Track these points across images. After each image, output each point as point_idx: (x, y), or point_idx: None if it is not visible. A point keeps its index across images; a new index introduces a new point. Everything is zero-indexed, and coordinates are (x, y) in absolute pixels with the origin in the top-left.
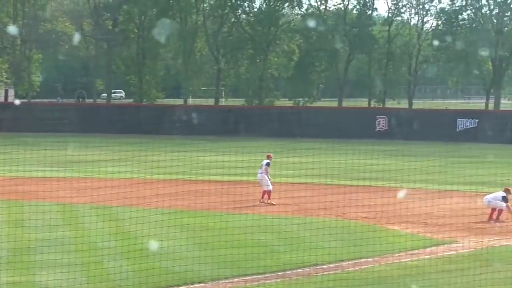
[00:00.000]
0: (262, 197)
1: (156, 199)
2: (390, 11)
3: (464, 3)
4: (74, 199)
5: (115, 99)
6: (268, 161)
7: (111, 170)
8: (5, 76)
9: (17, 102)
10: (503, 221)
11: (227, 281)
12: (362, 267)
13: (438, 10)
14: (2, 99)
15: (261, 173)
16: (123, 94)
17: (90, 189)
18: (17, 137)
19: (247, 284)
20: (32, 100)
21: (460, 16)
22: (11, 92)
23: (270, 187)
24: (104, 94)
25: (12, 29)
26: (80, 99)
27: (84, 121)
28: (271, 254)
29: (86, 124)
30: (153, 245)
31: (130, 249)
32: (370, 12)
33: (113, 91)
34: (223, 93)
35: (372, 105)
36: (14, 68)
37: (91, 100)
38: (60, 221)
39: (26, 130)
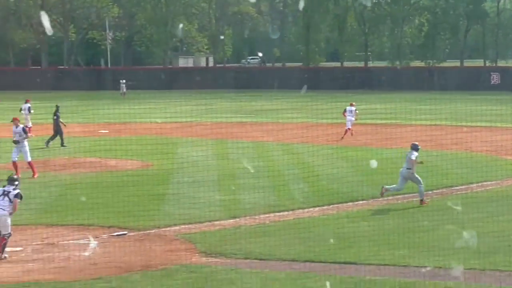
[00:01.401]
0: None
1: (323, 138)
2: None
3: None
4: (264, 138)
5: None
6: None
7: (291, 116)
8: (205, 47)
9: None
10: None
11: (383, 199)
12: (487, 188)
13: None
14: (204, 65)
15: None
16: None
17: (275, 130)
18: (215, 93)
19: (398, 201)
20: (227, 65)
21: None
22: (211, 60)
23: None
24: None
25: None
26: (262, 63)
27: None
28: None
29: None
30: (326, 171)
31: (309, 175)
32: None
33: (251, 57)
34: (370, 57)
35: (487, 65)
36: (211, 41)
37: (270, 64)
38: (255, 154)
39: (222, 87)
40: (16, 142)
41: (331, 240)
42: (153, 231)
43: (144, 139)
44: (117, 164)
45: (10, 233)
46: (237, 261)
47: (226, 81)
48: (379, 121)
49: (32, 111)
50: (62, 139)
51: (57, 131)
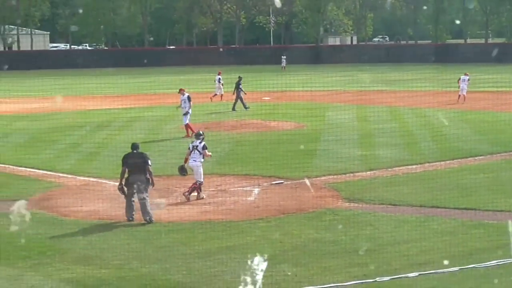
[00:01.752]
0: None
1: (447, 104)
2: None
3: None
4: (397, 103)
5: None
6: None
7: (420, 85)
8: (350, 28)
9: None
10: None
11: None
12: None
13: None
14: (349, 43)
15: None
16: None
17: (407, 97)
18: (358, 66)
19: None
20: (368, 43)
21: None
22: (354, 38)
23: None
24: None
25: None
26: (397, 41)
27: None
28: None
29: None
30: (450, 131)
31: (435, 135)
32: None
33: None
34: (490, 35)
35: None
36: (356, 23)
37: (404, 42)
38: (389, 117)
39: (363, 62)
40: (179, 107)
41: (454, 189)
42: (305, 180)
43: (298, 105)
44: (277, 125)
45: (201, 181)
46: (374, 206)
47: (367, 56)
48: (496, 89)
49: (222, 81)
50: (243, 103)
51: (238, 98)
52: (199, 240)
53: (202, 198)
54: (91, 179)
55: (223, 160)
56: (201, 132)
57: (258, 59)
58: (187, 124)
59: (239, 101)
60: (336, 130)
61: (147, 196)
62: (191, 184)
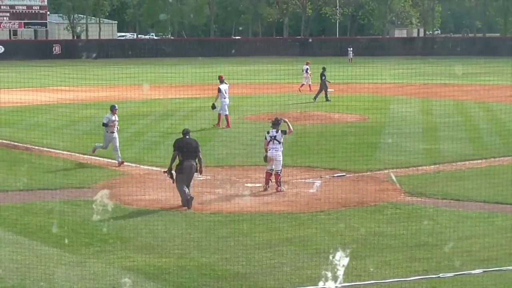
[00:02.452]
0: None
1: None
2: None
3: None
4: (463, 97)
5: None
6: None
7: (488, 79)
8: (417, 20)
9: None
10: None
11: None
12: None
13: None
14: (415, 35)
15: None
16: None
17: (474, 91)
18: (423, 58)
19: None
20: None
21: None
22: (421, 31)
23: None
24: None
25: None
26: (465, 34)
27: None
28: None
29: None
30: None
31: (501, 130)
32: None
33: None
34: None
35: None
36: (422, 15)
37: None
38: (454, 111)
39: (428, 54)
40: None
41: None
42: (367, 173)
43: (362, 97)
44: (340, 117)
45: (281, 169)
46: (436, 201)
47: (435, 48)
48: None
49: (310, 71)
50: (326, 95)
51: (322, 88)
52: (259, 231)
53: (283, 191)
54: (154, 168)
55: (285, 152)
56: (278, 118)
57: (325, 50)
58: (226, 115)
59: (322, 92)
60: (400, 123)
61: (192, 184)
62: (265, 176)
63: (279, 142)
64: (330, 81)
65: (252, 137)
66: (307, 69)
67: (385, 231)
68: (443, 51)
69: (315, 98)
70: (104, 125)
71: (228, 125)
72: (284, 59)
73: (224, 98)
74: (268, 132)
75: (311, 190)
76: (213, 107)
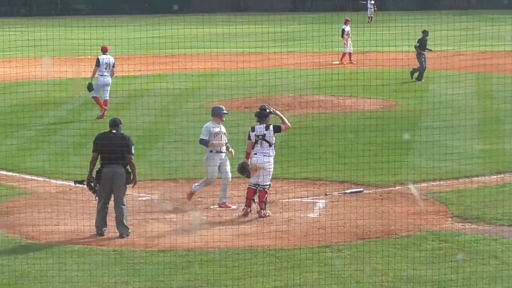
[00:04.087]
0: None
1: None
2: None
3: None
4: None
5: None
6: None
7: None
8: None
9: None
10: None
11: None
12: None
13: None
14: None
15: None
16: None
17: None
18: (479, 13)
19: None
20: None
21: None
22: None
23: None
24: None
25: None
26: None
27: None
28: None
29: None
30: None
31: None
32: None
33: None
34: None
35: None
36: None
37: None
38: None
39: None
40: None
41: None
42: (396, 188)
43: (387, 73)
44: (353, 104)
45: (269, 185)
46: (502, 229)
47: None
48: None
49: (350, 35)
50: (420, 72)
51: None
52: (233, 278)
53: (268, 215)
54: (72, 183)
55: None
56: (265, 107)
57: (330, 2)
58: (106, 100)
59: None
60: (444, 112)
61: (124, 200)
62: (247, 194)
63: (270, 144)
64: (430, 49)
65: None
66: (348, 31)
67: (425, 276)
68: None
69: (418, 77)
70: None
71: (102, 115)
72: (269, 17)
73: (102, 75)
74: (252, 129)
75: (311, 215)
76: (90, 87)
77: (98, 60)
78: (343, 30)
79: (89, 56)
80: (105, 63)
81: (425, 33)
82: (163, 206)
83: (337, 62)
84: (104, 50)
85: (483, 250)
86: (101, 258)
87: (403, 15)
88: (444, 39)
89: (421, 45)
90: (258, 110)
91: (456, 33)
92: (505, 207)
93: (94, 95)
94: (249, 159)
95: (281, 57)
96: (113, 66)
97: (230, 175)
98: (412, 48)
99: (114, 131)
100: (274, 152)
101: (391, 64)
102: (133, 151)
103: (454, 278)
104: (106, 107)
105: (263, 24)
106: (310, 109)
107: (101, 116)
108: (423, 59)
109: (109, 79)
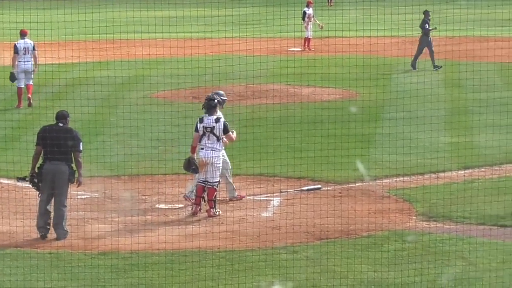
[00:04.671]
0: None
1: None
2: None
3: None
4: (510, 58)
5: None
6: None
7: None
8: None
9: None
10: None
11: None
12: None
13: None
14: None
15: None
16: None
17: None
18: None
19: None
20: None
21: None
22: None
23: None
24: None
25: None
26: None
27: None
28: None
29: None
30: None
31: None
32: None
33: None
34: None
35: None
36: None
37: None
38: (501, 80)
39: None
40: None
41: None
42: (356, 184)
43: (348, 60)
44: (311, 93)
45: (218, 183)
46: (469, 227)
47: None
48: None
49: (316, 17)
50: (432, 59)
51: (422, 47)
52: (180, 282)
53: (218, 214)
54: (4, 180)
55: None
56: (214, 96)
57: None
58: (19, 87)
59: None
60: (408, 102)
61: (66, 201)
62: (196, 192)
63: (218, 138)
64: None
65: (167, 127)
66: (310, 14)
67: (387, 279)
68: None
69: (413, 63)
70: None
71: (19, 104)
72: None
73: (21, 61)
74: (200, 120)
75: (265, 214)
76: (12, 77)
77: (15, 46)
78: (304, 13)
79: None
80: (23, 48)
81: (426, 13)
82: (104, 205)
83: (300, 49)
84: (23, 34)
85: (449, 250)
86: (36, 262)
87: None
88: (409, 23)
89: (425, 28)
90: (206, 101)
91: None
92: (473, 204)
93: (18, 85)
94: (195, 154)
95: (233, 42)
96: (34, 50)
97: None
98: (377, 32)
99: (61, 124)
100: (222, 147)
101: (351, 50)
102: (81, 148)
103: (418, 280)
104: (30, 95)
105: (213, 6)
106: (264, 99)
107: (29, 105)
108: (427, 44)
109: (30, 65)
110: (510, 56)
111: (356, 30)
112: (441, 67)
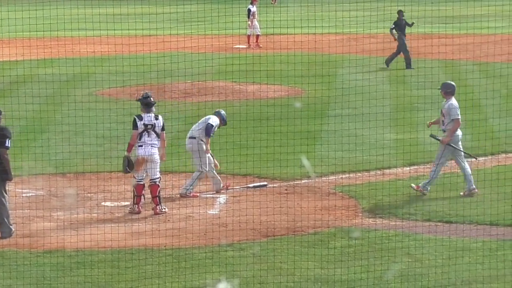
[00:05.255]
0: None
1: None
2: None
3: None
4: (453, 55)
5: None
6: None
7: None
8: None
9: None
10: None
11: None
12: None
13: None
14: None
15: None
16: None
17: (473, 45)
18: None
19: None
20: None
21: None
22: None
23: None
24: None
25: None
26: None
27: None
28: None
29: None
30: None
31: None
32: None
33: None
34: None
35: None
36: None
37: None
38: (442, 78)
39: None
40: None
41: None
42: (302, 181)
43: (294, 57)
44: (256, 91)
45: (160, 177)
46: (415, 224)
47: None
48: None
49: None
50: (407, 59)
51: (400, 48)
52: (126, 280)
53: (164, 211)
54: None
55: (167, 149)
56: (147, 94)
57: None
58: None
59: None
60: (354, 98)
61: (4, 199)
62: (135, 191)
63: (158, 135)
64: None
65: (112, 125)
66: (254, 12)
67: (333, 275)
68: None
69: (387, 61)
70: None
71: None
72: None
73: None
74: (139, 118)
75: (211, 211)
76: None
77: None
78: (248, 10)
79: None
80: None
81: (400, 13)
82: (49, 202)
83: (244, 46)
84: None
85: (395, 247)
86: None
87: None
88: (353, 20)
89: (399, 28)
90: (142, 99)
91: (366, 13)
92: (418, 201)
93: None
94: (128, 153)
95: (178, 40)
96: None
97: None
98: (322, 29)
99: None
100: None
101: (296, 47)
102: (8, 144)
103: (364, 277)
104: None
105: (158, 4)
106: (210, 96)
107: None
108: (403, 43)
109: None
110: (454, 53)
111: (301, 27)
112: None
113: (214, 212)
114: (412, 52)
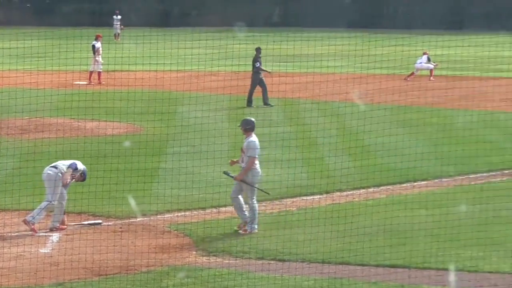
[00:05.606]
0: None
1: (378, 94)
2: None
3: None
4: (295, 94)
5: None
6: None
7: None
8: None
9: None
10: None
11: (450, 179)
12: None
13: None
14: None
15: None
16: None
17: (311, 83)
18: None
19: (471, 183)
20: None
21: None
22: None
23: None
24: None
25: None
26: None
27: None
28: (496, 151)
29: None
30: (375, 141)
31: (351, 146)
32: None
33: None
34: None
35: None
36: None
37: None
38: (282, 116)
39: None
40: None
41: (378, 235)
42: (138, 219)
43: (134, 94)
44: (95, 127)
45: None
46: (248, 262)
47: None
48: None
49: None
50: (264, 97)
51: (255, 83)
52: None
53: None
54: None
55: (1, 187)
56: None
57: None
58: None
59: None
60: (193, 136)
61: None
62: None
63: None
64: (268, 70)
65: None
66: (98, 48)
67: None
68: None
69: (248, 100)
70: None
71: None
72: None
73: None
74: None
75: (43, 250)
76: None
77: None
78: (93, 46)
79: None
80: None
81: (258, 50)
82: None
83: (85, 82)
84: None
85: (228, 285)
86: None
87: (151, 31)
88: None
89: (256, 66)
90: None
91: (208, 51)
92: (252, 239)
93: None
94: None
95: (17, 75)
96: None
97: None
98: (164, 66)
99: None
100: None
101: (137, 84)
102: None
103: None
104: None
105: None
106: (47, 133)
107: None
108: (258, 81)
109: None
110: (294, 91)
111: (143, 64)
112: (272, 105)
113: (46, 251)
114: (256, 91)
